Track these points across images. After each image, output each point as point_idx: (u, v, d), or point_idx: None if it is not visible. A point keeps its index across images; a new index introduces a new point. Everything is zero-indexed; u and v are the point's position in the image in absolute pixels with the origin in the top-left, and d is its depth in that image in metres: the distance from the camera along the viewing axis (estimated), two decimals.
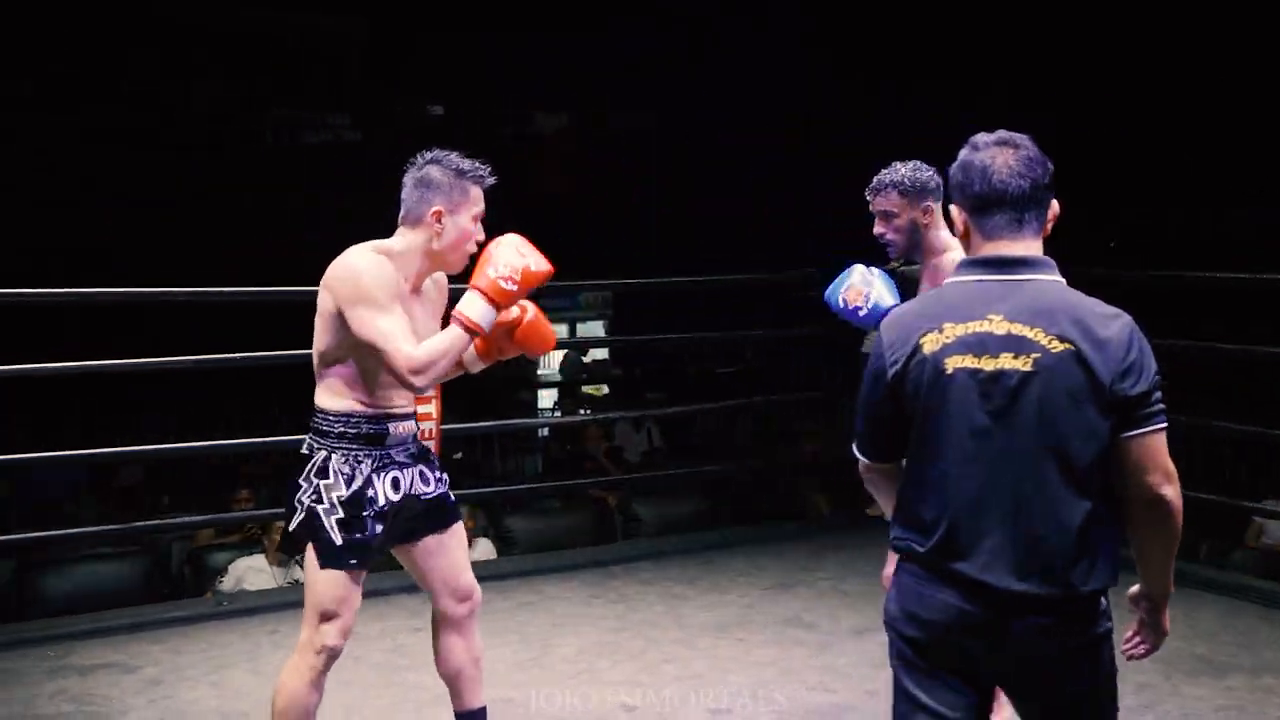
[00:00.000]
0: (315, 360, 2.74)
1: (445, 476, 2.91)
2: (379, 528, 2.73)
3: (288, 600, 4.64)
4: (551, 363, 12.75)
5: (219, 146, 10.57)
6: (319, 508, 2.68)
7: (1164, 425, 1.94)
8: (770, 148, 10.98)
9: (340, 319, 2.63)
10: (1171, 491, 1.94)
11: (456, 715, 2.97)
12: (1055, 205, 2.05)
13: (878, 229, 3.17)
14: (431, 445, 3.11)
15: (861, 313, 3.16)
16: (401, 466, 2.77)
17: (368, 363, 2.68)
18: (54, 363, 4.66)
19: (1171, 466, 1.94)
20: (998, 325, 1.94)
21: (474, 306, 2.63)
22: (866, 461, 2.12)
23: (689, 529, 6.19)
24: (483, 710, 2.97)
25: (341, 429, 2.70)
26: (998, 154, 2.00)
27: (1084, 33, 9.07)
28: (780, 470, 7.55)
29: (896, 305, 3.15)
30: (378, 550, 2.78)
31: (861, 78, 10.65)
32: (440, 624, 2.92)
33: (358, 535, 2.68)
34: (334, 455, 2.69)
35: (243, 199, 10.25)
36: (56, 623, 4.57)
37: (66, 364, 4.68)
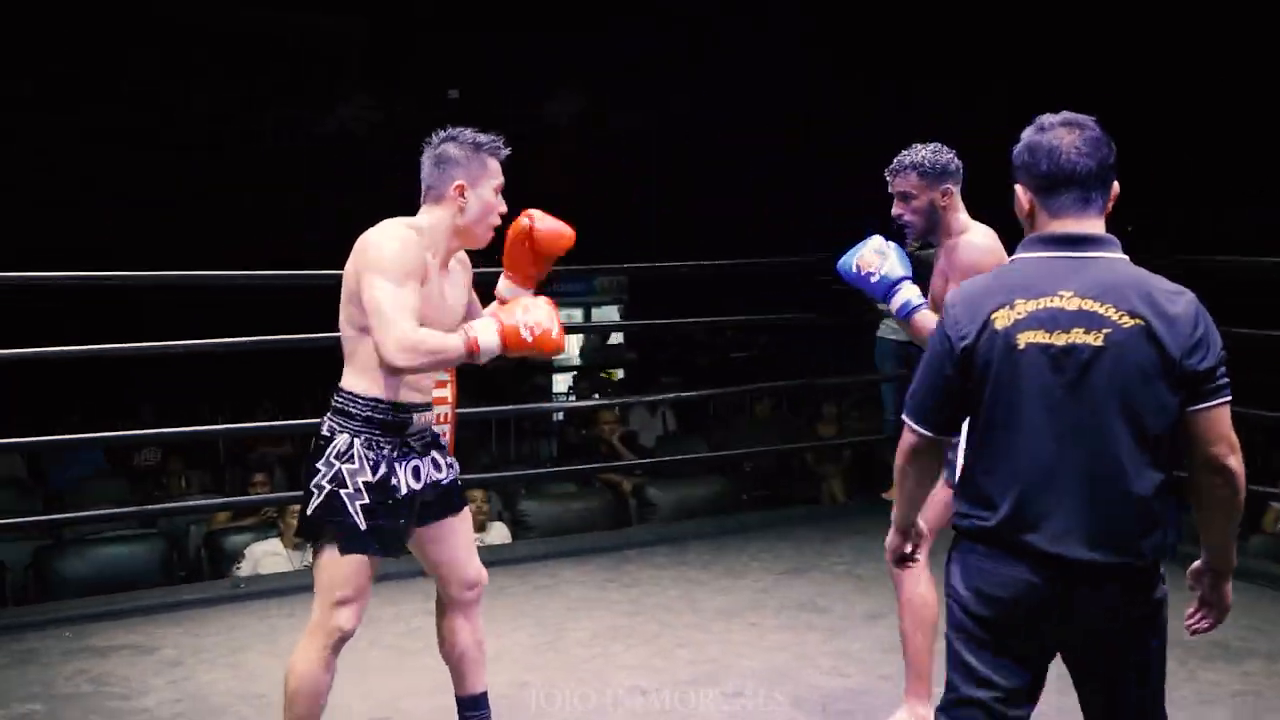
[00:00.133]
0: (347, 337, 2.72)
1: (455, 462, 2.91)
2: (404, 516, 2.73)
3: (304, 583, 4.62)
4: (567, 345, 12.77)
5: (219, 146, 10.58)
6: (342, 491, 2.66)
7: (1229, 398, 2.00)
8: (770, 148, 10.97)
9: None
10: (1235, 462, 2.00)
11: (459, 700, 2.98)
12: (1116, 185, 2.09)
13: (896, 210, 3.16)
14: (446, 429, 3.11)
15: (873, 279, 3.17)
16: (419, 455, 2.77)
17: None
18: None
19: (1235, 438, 2.01)
20: (1069, 301, 1.99)
21: (487, 336, 2.65)
22: (921, 434, 2.14)
23: (703, 513, 6.19)
24: (484, 695, 2.98)
25: (369, 413, 2.68)
26: (1064, 134, 2.05)
27: (1083, 33, 9.03)
28: (795, 455, 7.56)
29: (907, 278, 3.15)
30: (403, 537, 2.78)
31: (861, 78, 10.63)
32: (446, 608, 2.93)
33: (383, 521, 2.67)
34: (358, 439, 2.68)
35: (243, 199, 10.27)
36: (75, 604, 4.60)
37: (111, 345, 4.76)
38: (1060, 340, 1.98)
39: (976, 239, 3.11)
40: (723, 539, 5.50)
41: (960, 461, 3.01)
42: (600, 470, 6.93)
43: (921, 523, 2.36)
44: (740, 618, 4.34)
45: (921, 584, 3.17)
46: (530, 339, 2.67)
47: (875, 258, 3.17)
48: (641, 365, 11.69)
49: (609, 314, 13.23)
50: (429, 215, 2.72)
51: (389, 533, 2.70)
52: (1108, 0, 8.97)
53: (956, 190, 3.14)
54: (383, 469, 2.68)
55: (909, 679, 3.22)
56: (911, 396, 2.15)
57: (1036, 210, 2.08)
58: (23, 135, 10.05)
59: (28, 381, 8.12)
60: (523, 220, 2.88)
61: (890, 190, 3.16)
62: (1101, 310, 1.97)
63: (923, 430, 2.13)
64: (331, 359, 2.85)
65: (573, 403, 10.52)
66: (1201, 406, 1.97)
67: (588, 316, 13.00)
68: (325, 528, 2.68)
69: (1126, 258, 2.05)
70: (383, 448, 2.70)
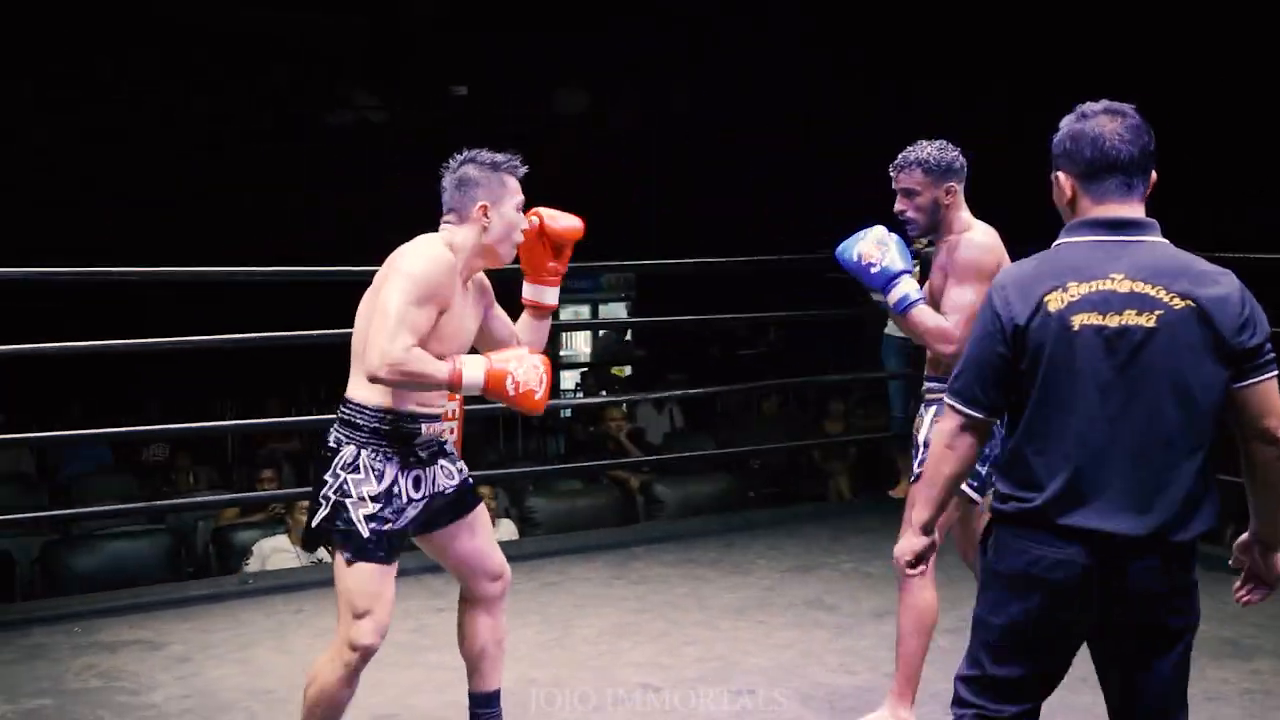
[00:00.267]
0: (358, 346, 2.71)
1: (464, 465, 2.92)
2: (405, 524, 2.74)
3: (313, 579, 4.67)
4: (574, 342, 12.78)
5: (219, 146, 10.58)
6: (347, 501, 2.68)
7: (1276, 373, 2.07)
8: (770, 148, 10.95)
9: None
10: None
11: (472, 696, 2.99)
12: (1154, 173, 2.14)
13: (899, 206, 3.15)
14: (453, 427, 3.11)
15: (874, 269, 3.14)
16: (424, 465, 2.78)
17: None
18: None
19: None
20: (1120, 284, 2.03)
21: (473, 373, 2.67)
22: (970, 415, 2.14)
23: (711, 511, 6.19)
24: (497, 693, 2.99)
25: (376, 425, 2.70)
26: (1106, 122, 2.10)
27: (1083, 34, 9.01)
28: (802, 452, 7.55)
29: (907, 271, 3.13)
30: (402, 546, 2.79)
31: (861, 78, 10.61)
32: (470, 604, 2.94)
33: (385, 529, 2.69)
34: (364, 450, 2.69)
35: (243, 199, 10.27)
36: (83, 600, 4.61)
37: (132, 340, 4.76)
38: (1113, 322, 2.02)
39: (978, 237, 3.10)
40: (730, 536, 5.49)
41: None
42: (608, 467, 6.94)
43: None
44: (748, 615, 4.34)
45: (927, 588, 3.16)
46: (512, 392, 2.71)
47: (876, 249, 3.15)
48: (649, 362, 11.68)
49: (616, 311, 13.23)
50: (455, 235, 2.74)
51: (390, 539, 2.71)
52: (1106, 1, 8.96)
53: (960, 188, 3.14)
54: (389, 479, 2.70)
55: (898, 680, 3.21)
56: (956, 379, 2.16)
57: (1079, 196, 2.12)
58: (23, 135, 10.06)
59: (34, 378, 8.13)
60: (531, 219, 2.89)
61: (894, 186, 3.15)
62: (1153, 292, 2.02)
63: (971, 411, 2.14)
64: (338, 355, 2.85)
65: (580, 399, 10.53)
66: (1252, 381, 2.04)
67: (595, 313, 13.01)
68: (332, 538, 2.71)
69: (1167, 241, 2.10)
70: (390, 458, 2.71)
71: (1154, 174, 2.13)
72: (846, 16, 10.47)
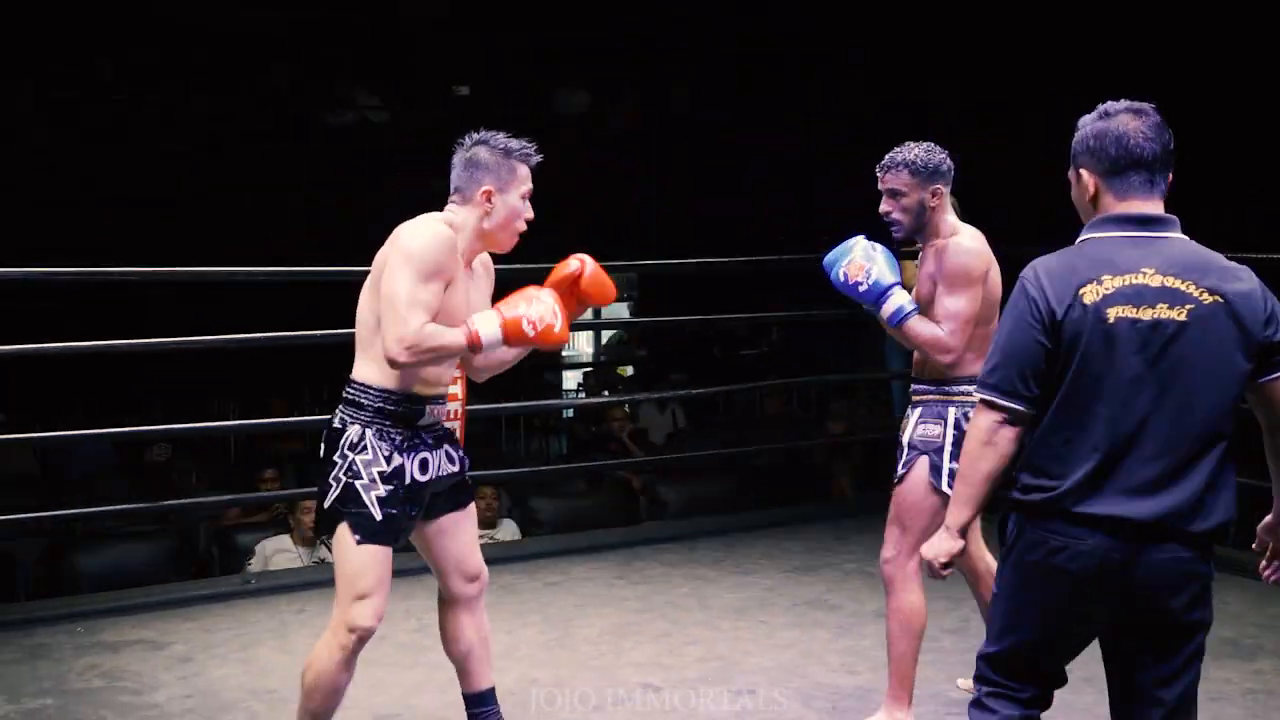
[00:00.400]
0: (363, 327, 2.72)
1: (465, 457, 2.92)
2: (414, 507, 2.74)
3: (315, 579, 4.67)
4: (576, 343, 12.79)
5: (219, 146, 10.58)
6: (357, 483, 2.67)
7: None
8: (770, 148, 10.95)
9: None
10: None
11: (466, 697, 2.98)
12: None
13: (884, 207, 3.14)
14: (457, 426, 3.12)
15: (861, 288, 3.12)
16: (430, 448, 2.77)
17: None
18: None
19: None
20: (1151, 278, 2.08)
21: (489, 326, 2.66)
22: (1011, 408, 2.13)
23: (713, 511, 6.19)
24: (491, 691, 2.98)
25: (381, 404, 2.69)
26: (1130, 120, 2.15)
27: (1083, 34, 9.00)
28: (805, 452, 7.55)
29: (897, 283, 3.11)
30: (411, 529, 2.79)
31: (861, 78, 10.61)
32: (450, 605, 2.93)
33: (395, 511, 2.68)
34: (369, 430, 2.69)
35: (243, 199, 10.27)
36: (86, 600, 4.62)
37: (135, 340, 4.77)
38: (1147, 315, 2.06)
39: (966, 242, 3.09)
40: (732, 536, 5.50)
41: (948, 464, 3.04)
42: (610, 467, 6.94)
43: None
44: (750, 615, 4.35)
45: (914, 591, 3.16)
46: (533, 333, 2.68)
47: (862, 265, 3.12)
48: (651, 362, 11.69)
49: (618, 311, 13.24)
50: (456, 215, 2.74)
51: (403, 522, 2.72)
52: (1106, 2, 8.96)
53: (947, 191, 3.12)
54: (396, 459, 2.69)
55: (891, 684, 3.21)
56: (992, 373, 2.15)
57: (1102, 193, 2.16)
58: (23, 135, 10.07)
59: (36, 379, 8.14)
60: (573, 263, 2.88)
61: (880, 187, 3.14)
62: (1183, 287, 2.07)
63: (1012, 404, 2.13)
64: (340, 355, 2.85)
65: (583, 400, 10.53)
66: (1276, 375, 2.11)
67: (596, 314, 13.01)
68: (343, 519, 2.68)
69: (1187, 237, 2.15)
70: (395, 438, 2.70)
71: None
72: (846, 16, 10.46)
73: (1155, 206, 2.15)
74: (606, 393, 10.22)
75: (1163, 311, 2.06)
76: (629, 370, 11.81)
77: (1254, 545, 2.29)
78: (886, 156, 3.13)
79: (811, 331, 10.28)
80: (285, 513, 5.54)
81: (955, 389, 3.12)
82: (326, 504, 2.70)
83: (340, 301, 2.78)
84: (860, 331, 7.34)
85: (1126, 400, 2.06)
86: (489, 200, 2.71)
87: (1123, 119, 2.15)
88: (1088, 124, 2.18)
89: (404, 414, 2.71)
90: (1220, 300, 2.07)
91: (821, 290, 3.44)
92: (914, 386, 3.24)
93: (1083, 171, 2.18)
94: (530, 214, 2.78)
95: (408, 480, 2.72)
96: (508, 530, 5.69)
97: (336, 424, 2.72)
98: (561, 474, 6.87)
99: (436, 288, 2.62)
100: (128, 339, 4.91)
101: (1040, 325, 2.10)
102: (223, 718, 3.45)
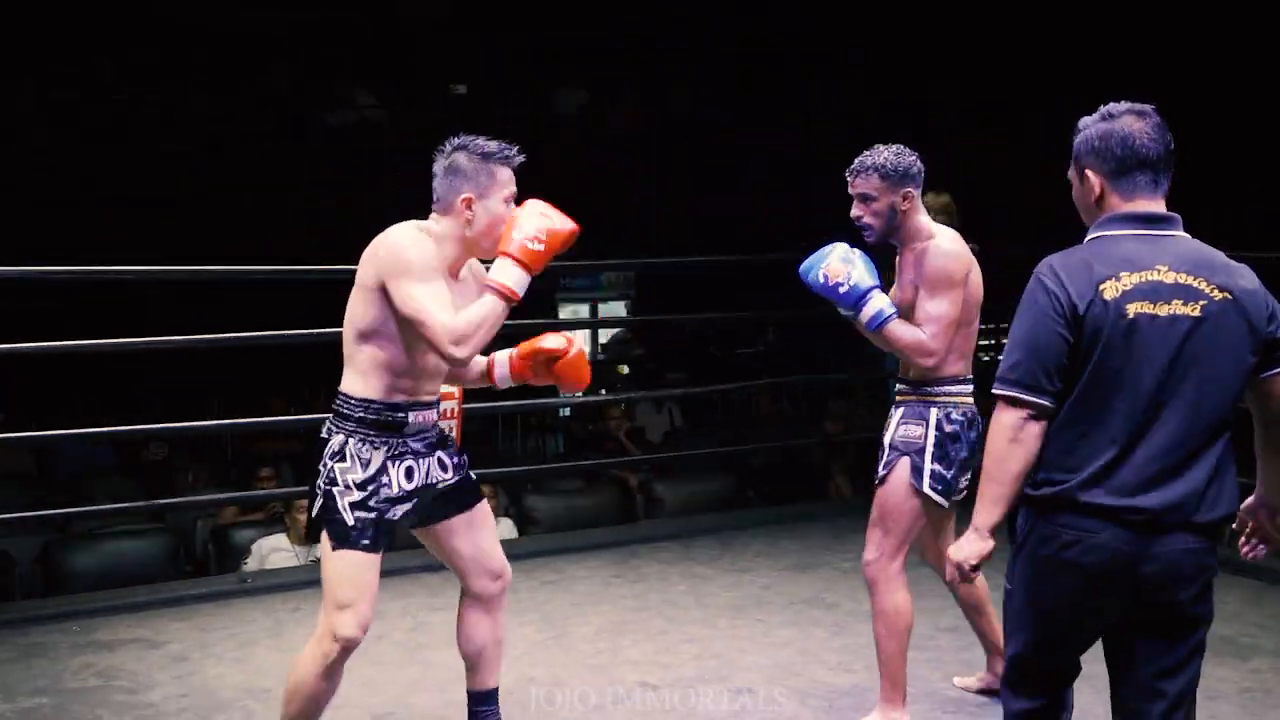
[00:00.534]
0: (346, 339, 2.73)
1: (465, 460, 2.91)
2: (392, 513, 2.72)
3: (311, 578, 4.63)
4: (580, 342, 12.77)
5: (219, 146, 10.58)
6: (334, 490, 2.68)
7: None
8: (770, 148, 10.95)
9: (382, 294, 2.63)
10: None
11: (470, 694, 2.98)
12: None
13: (855, 212, 3.13)
14: (453, 424, 3.11)
15: (842, 289, 3.09)
16: (418, 455, 2.77)
17: (402, 344, 2.68)
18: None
19: None
20: (1166, 275, 2.12)
21: (506, 272, 2.63)
22: (1037, 403, 2.14)
23: (710, 509, 6.19)
24: (495, 691, 2.98)
25: (361, 414, 2.70)
26: (1133, 122, 2.19)
27: (1084, 34, 9.01)
28: (802, 451, 7.55)
29: (877, 286, 3.09)
30: (389, 534, 2.77)
31: (861, 78, 10.61)
32: (469, 603, 2.93)
33: (369, 516, 2.68)
34: (351, 439, 2.70)
35: (243, 199, 10.27)
36: (82, 598, 4.61)
37: (134, 339, 4.76)
38: (1164, 311, 2.10)
39: (946, 244, 3.08)
40: (729, 535, 5.49)
41: (929, 465, 3.04)
42: (607, 466, 6.93)
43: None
44: (747, 613, 4.34)
45: (898, 592, 3.16)
46: (543, 246, 2.64)
47: (842, 266, 3.10)
48: (648, 361, 11.69)
49: (616, 310, 13.24)
50: (438, 225, 2.72)
51: (376, 528, 2.70)
52: (1106, 2, 8.97)
53: (918, 194, 3.10)
54: (375, 467, 2.70)
55: (884, 685, 3.21)
56: (1015, 368, 2.15)
57: (1108, 193, 2.20)
58: (23, 135, 10.06)
59: (34, 378, 8.14)
60: (557, 341, 2.87)
61: (850, 191, 3.13)
62: (1195, 284, 2.12)
63: (1038, 399, 2.14)
64: (339, 354, 2.85)
65: (579, 398, 10.52)
66: (1277, 370, 2.16)
67: (594, 312, 13.01)
68: (324, 527, 2.70)
69: (1189, 235, 2.20)
70: (377, 447, 2.70)
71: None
72: (846, 16, 10.47)
73: (1160, 206, 2.19)
74: (604, 391, 10.20)
75: (1178, 307, 2.10)
76: (625, 369, 11.80)
77: (1233, 525, 2.33)
78: (856, 161, 3.12)
79: (808, 331, 10.29)
80: (282, 511, 5.53)
81: (937, 390, 3.12)
82: (313, 513, 2.73)
83: (339, 300, 2.77)
84: (857, 331, 7.34)
85: (1143, 394, 2.10)
86: (469, 208, 2.68)
87: (1127, 120, 2.18)
88: (1091, 125, 2.22)
89: (386, 422, 2.71)
90: (1229, 297, 2.11)
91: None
92: (897, 386, 3.24)
93: (1088, 172, 2.21)
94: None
95: (393, 488, 2.71)
96: (504, 528, 5.68)
97: (324, 434, 2.74)
98: (558, 472, 6.86)
99: (443, 282, 2.63)
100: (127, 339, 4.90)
101: (1063, 320, 2.12)
102: (218, 717, 3.44)
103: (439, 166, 2.73)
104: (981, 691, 3.49)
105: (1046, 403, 2.13)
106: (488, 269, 2.74)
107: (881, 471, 3.18)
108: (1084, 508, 2.12)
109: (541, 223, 2.66)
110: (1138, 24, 8.72)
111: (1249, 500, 2.32)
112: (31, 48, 10.02)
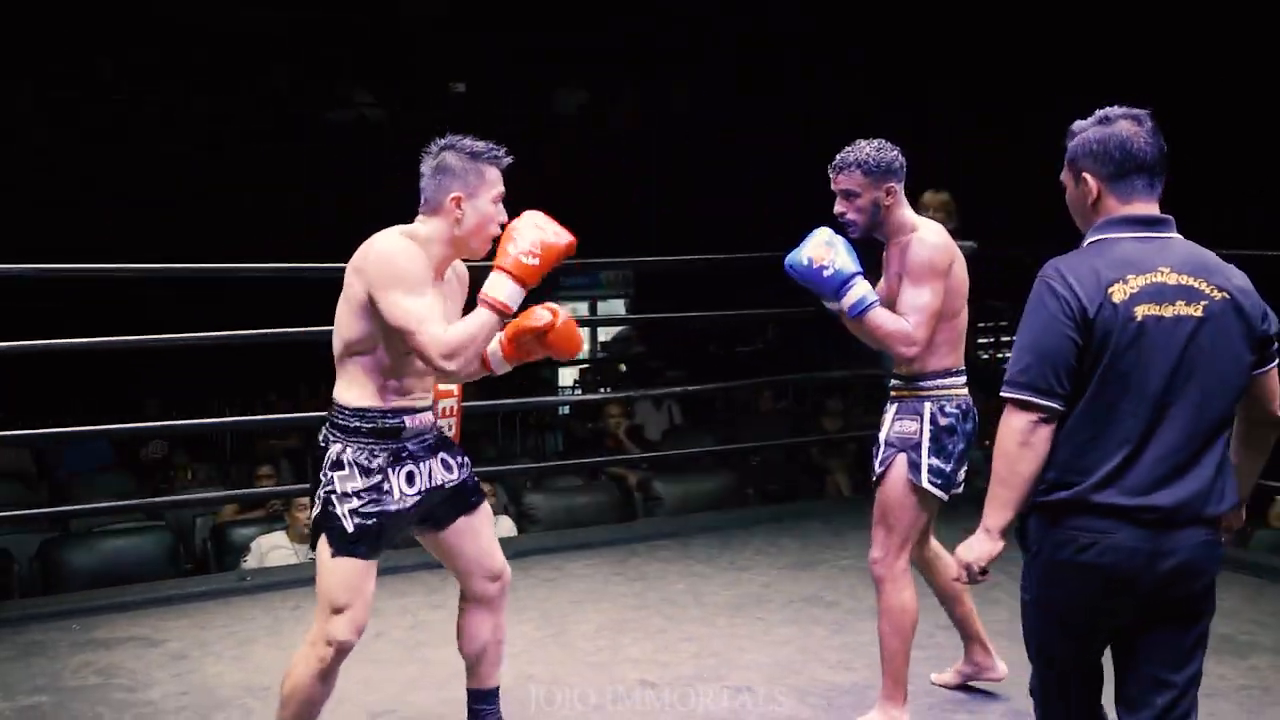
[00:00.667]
0: (337, 348, 2.72)
1: (466, 460, 2.90)
2: (392, 521, 2.72)
3: (310, 576, 4.60)
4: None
5: (219, 146, 10.58)
6: (334, 498, 2.68)
7: None
8: (770, 148, 10.95)
9: (369, 304, 2.62)
10: None
11: (470, 693, 2.98)
12: None
13: (839, 208, 3.12)
14: (452, 423, 3.11)
15: (826, 273, 3.07)
16: (418, 459, 2.76)
17: (391, 351, 2.67)
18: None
19: None
20: (1168, 276, 2.15)
21: (500, 287, 2.63)
22: (1046, 406, 2.14)
23: (709, 507, 6.19)
24: (496, 690, 2.98)
25: (357, 424, 2.69)
26: (1129, 126, 2.22)
27: (1082, 34, 9.01)
28: (801, 449, 7.55)
29: (859, 273, 3.08)
30: (389, 543, 2.78)
31: (861, 78, 10.61)
32: (470, 603, 2.92)
33: (369, 524, 2.68)
34: (349, 449, 2.69)
35: (243, 199, 10.27)
36: (81, 597, 4.61)
37: (133, 338, 4.74)
38: (1169, 312, 2.13)
39: (929, 236, 3.08)
40: (728, 533, 5.49)
41: (926, 459, 3.04)
42: (606, 464, 6.93)
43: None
44: (746, 612, 4.34)
45: (906, 589, 3.16)
46: (537, 258, 2.63)
47: (826, 250, 3.08)
48: (647, 359, 11.69)
49: (615, 308, 13.24)
50: (425, 226, 2.70)
51: (374, 537, 2.70)
52: (1105, 2, 8.98)
53: (900, 188, 3.10)
54: (375, 475, 2.69)
55: (885, 683, 3.21)
56: (1024, 372, 2.15)
57: (1105, 196, 2.22)
58: (23, 135, 10.06)
59: (34, 376, 8.14)
60: (543, 314, 2.84)
61: (833, 187, 3.12)
62: (1196, 284, 2.15)
63: (1048, 403, 2.14)
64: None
65: (579, 396, 10.52)
66: (1268, 368, 2.22)
67: (593, 310, 13.01)
68: (322, 533, 2.71)
69: (1182, 237, 2.23)
70: (376, 455, 2.70)
71: None
72: (846, 16, 10.48)
73: (1155, 208, 2.22)
74: (603, 389, 10.21)
75: (1181, 308, 2.13)
76: (624, 367, 11.81)
77: None
78: (838, 157, 3.11)
79: (808, 329, 10.29)
80: (281, 509, 5.53)
81: (930, 384, 3.12)
82: (313, 519, 2.74)
83: (338, 299, 2.77)
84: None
85: (1151, 395, 2.12)
86: (458, 207, 2.66)
87: (1123, 124, 2.21)
88: (1087, 129, 2.24)
89: (381, 429, 2.71)
90: (1228, 296, 2.15)
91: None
92: (891, 382, 3.24)
93: (1086, 175, 2.23)
94: (503, 217, 2.71)
95: (395, 496, 2.71)
96: (504, 527, 5.68)
97: (321, 443, 2.74)
98: (557, 470, 6.86)
99: (431, 292, 2.62)
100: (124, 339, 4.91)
101: (1073, 323, 2.13)
102: (217, 715, 3.45)
103: (426, 167, 2.71)
104: (960, 686, 3.49)
105: (1057, 406, 2.14)
106: (470, 268, 2.73)
107: (878, 469, 3.18)
108: (1098, 509, 2.13)
109: (537, 236, 2.65)
110: (1137, 24, 8.73)
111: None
112: (31, 48, 10.02)
